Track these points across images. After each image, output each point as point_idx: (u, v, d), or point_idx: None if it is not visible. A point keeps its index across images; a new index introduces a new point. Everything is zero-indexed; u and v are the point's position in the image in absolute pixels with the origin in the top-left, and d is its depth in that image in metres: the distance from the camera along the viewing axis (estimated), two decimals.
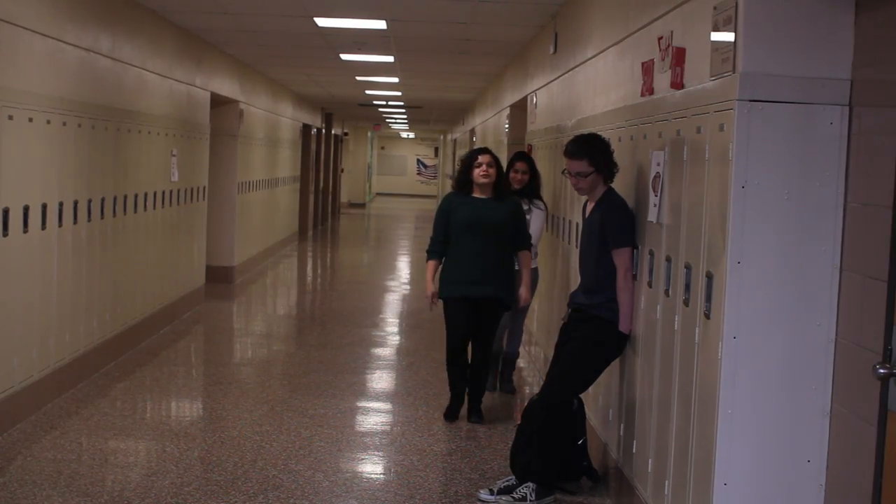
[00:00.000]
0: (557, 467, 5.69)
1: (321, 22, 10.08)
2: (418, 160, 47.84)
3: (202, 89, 12.05)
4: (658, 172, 4.92)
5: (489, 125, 16.93)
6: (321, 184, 26.02)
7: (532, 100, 10.47)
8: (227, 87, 13.45)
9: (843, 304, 3.88)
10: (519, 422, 6.15)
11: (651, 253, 5.07)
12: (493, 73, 14.59)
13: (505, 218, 7.08)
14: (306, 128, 22.80)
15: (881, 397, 3.50)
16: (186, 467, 6.07)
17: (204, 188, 12.31)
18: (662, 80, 5.03)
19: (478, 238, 7.03)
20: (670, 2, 4.93)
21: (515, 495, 5.58)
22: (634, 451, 5.28)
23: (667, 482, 4.66)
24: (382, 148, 47.29)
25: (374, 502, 5.65)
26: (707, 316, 4.15)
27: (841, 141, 3.88)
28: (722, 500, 4.01)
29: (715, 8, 4.22)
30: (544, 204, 7.97)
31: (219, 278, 13.98)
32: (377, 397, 8.21)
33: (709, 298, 4.13)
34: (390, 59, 13.20)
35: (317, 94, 20.69)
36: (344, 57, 13.10)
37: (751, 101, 3.90)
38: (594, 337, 5.49)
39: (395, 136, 46.54)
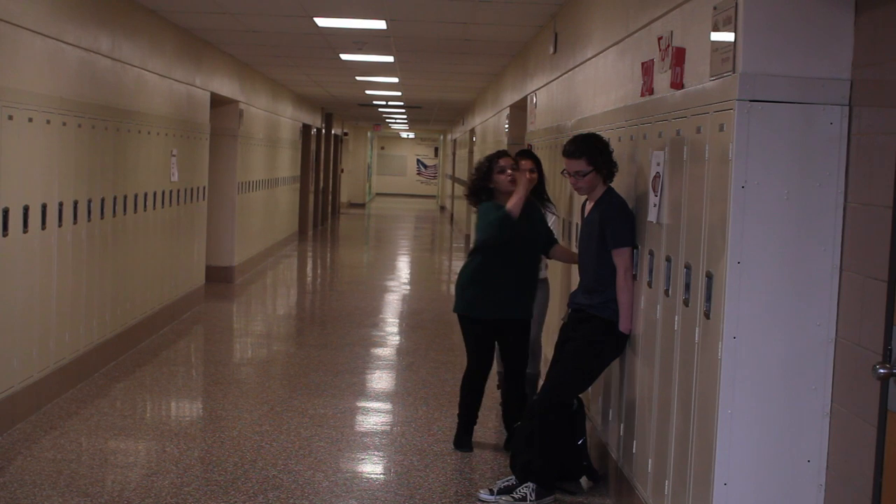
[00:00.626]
0: (557, 467, 5.69)
1: (321, 22, 10.08)
2: (418, 160, 47.84)
3: (202, 89, 12.05)
4: (658, 172, 4.92)
5: (489, 125, 16.93)
6: (321, 184, 26.02)
7: (532, 100, 10.47)
8: (226, 86, 13.45)
9: (842, 303, 3.88)
10: (519, 422, 6.16)
11: (651, 253, 5.07)
12: (492, 73, 14.59)
13: (536, 227, 6.44)
14: (306, 128, 22.80)
15: (881, 397, 3.50)
16: (186, 467, 6.07)
17: (204, 188, 12.31)
18: (662, 80, 5.03)
19: (514, 253, 6.35)
20: (670, 2, 4.93)
21: (515, 495, 5.58)
22: (634, 450, 5.28)
23: (667, 482, 4.66)
24: (382, 148, 47.29)
25: (373, 502, 5.65)
26: (707, 316, 4.15)
27: (841, 141, 3.88)
28: (722, 500, 4.01)
29: (715, 8, 4.22)
30: (555, 207, 7.22)
31: (219, 278, 13.99)
32: (377, 397, 8.20)
33: (709, 298, 4.13)
34: (390, 59, 13.20)
35: (317, 94, 20.68)
36: (344, 57, 13.10)
37: (750, 101, 3.90)
38: (594, 337, 5.49)
39: (395, 137, 46.55)
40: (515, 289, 6.34)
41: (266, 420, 7.19)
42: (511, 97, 12.64)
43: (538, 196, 6.90)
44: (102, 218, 8.32)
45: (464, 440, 6.59)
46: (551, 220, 6.99)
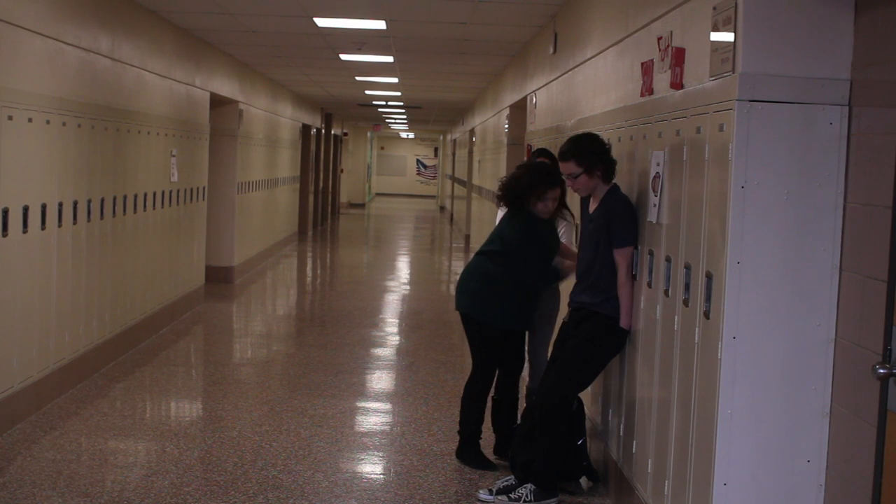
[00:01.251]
0: (557, 467, 5.68)
1: (321, 22, 10.08)
2: (418, 160, 47.84)
3: (202, 89, 12.05)
4: (658, 172, 4.92)
5: (489, 125, 16.93)
6: (321, 184, 26.03)
7: (532, 100, 10.47)
8: (226, 87, 13.45)
9: (842, 304, 3.88)
10: (519, 422, 6.16)
11: (651, 253, 5.06)
12: (492, 73, 14.59)
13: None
14: (306, 128, 22.80)
15: (881, 397, 3.51)
16: (186, 467, 6.07)
17: (203, 188, 12.31)
18: (662, 80, 5.03)
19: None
20: (670, 2, 4.93)
21: (513, 496, 5.58)
22: (634, 451, 5.28)
23: (666, 482, 4.66)
24: (382, 148, 47.30)
25: (373, 502, 5.65)
26: (707, 316, 4.15)
27: (840, 141, 3.88)
28: (721, 500, 4.01)
29: (714, 8, 4.22)
30: (571, 213, 6.52)
31: (218, 278, 13.99)
32: (377, 397, 8.21)
33: (708, 298, 4.13)
34: (390, 59, 13.20)
35: (316, 95, 20.69)
36: (343, 57, 13.10)
37: (750, 101, 3.90)
38: (595, 334, 5.49)
39: (395, 137, 46.56)
40: (528, 300, 6.16)
41: (266, 420, 7.19)
42: (511, 97, 12.64)
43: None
44: (102, 218, 8.32)
45: (482, 458, 6.30)
46: (561, 227, 6.44)
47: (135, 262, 9.36)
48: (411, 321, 12.05)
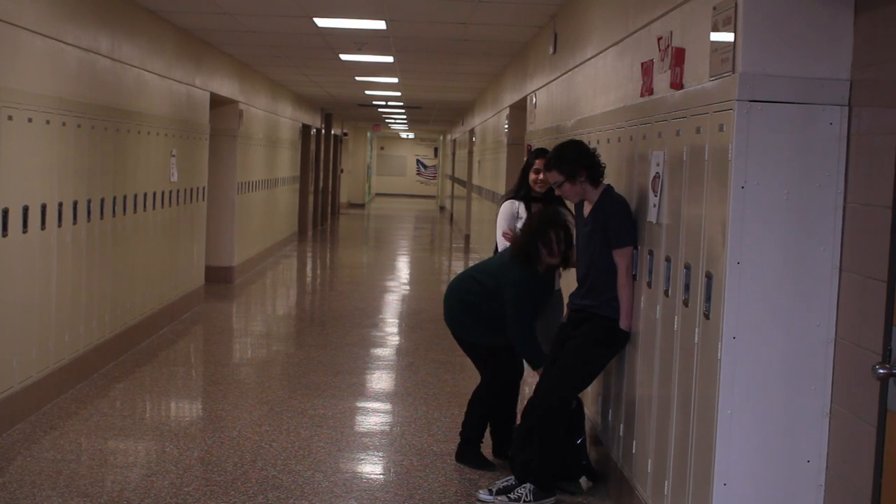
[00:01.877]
0: (557, 467, 5.69)
1: (320, 22, 10.08)
2: (418, 160, 47.84)
3: (202, 89, 12.05)
4: (657, 173, 4.92)
5: (489, 125, 16.93)
6: (321, 184, 26.02)
7: (532, 100, 10.47)
8: (226, 87, 13.45)
9: (842, 304, 3.88)
10: (518, 422, 6.16)
11: (650, 253, 5.06)
12: (492, 73, 14.59)
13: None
14: (306, 128, 22.80)
15: (881, 397, 3.50)
16: (186, 468, 6.07)
17: (203, 188, 12.31)
18: (662, 80, 5.03)
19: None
20: (670, 2, 4.93)
21: (512, 496, 5.58)
22: (634, 451, 5.28)
23: (666, 482, 4.66)
24: (382, 148, 47.30)
25: (373, 502, 5.65)
26: (706, 316, 4.15)
27: (840, 141, 3.88)
28: (721, 501, 4.01)
29: (714, 8, 4.22)
30: (571, 213, 6.31)
31: (218, 278, 13.99)
32: (377, 398, 8.20)
33: (708, 299, 4.13)
34: (390, 59, 13.20)
35: (316, 95, 20.69)
36: (343, 57, 13.10)
37: (750, 101, 3.90)
38: (595, 336, 5.49)
39: (395, 137, 46.55)
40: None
41: (266, 420, 7.19)
42: (511, 97, 12.64)
43: (552, 201, 6.47)
44: (102, 218, 8.32)
45: (482, 459, 6.29)
46: None
47: (135, 262, 9.36)
48: (411, 321, 12.05)
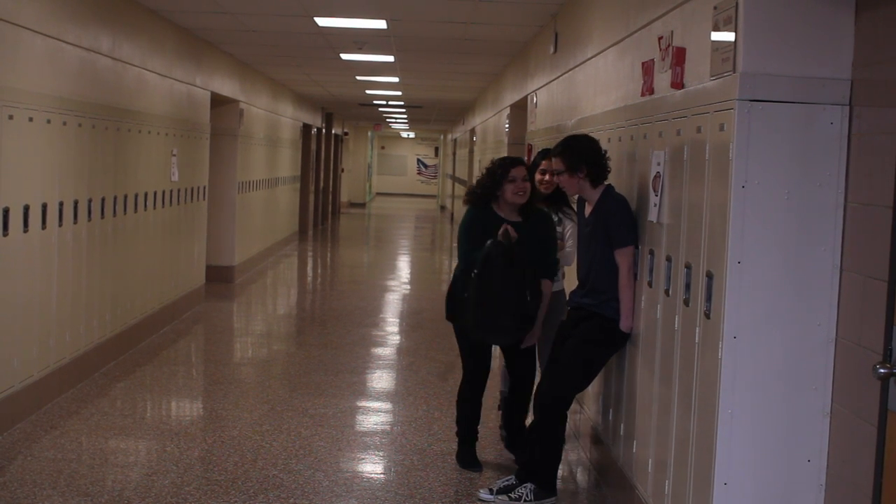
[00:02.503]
0: (556, 467, 5.69)
1: (321, 22, 10.08)
2: (418, 160, 47.84)
3: (202, 89, 12.05)
4: (658, 172, 4.92)
5: (489, 125, 16.93)
6: (321, 183, 26.03)
7: (532, 99, 10.47)
8: (227, 86, 13.46)
9: (843, 303, 3.88)
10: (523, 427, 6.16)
11: (651, 253, 5.07)
12: (493, 72, 14.59)
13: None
14: (306, 127, 22.80)
15: (881, 397, 3.51)
16: (186, 467, 6.07)
17: (204, 188, 12.32)
18: (663, 79, 5.03)
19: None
20: (670, 1, 4.93)
21: (513, 495, 5.58)
22: (635, 450, 5.28)
23: (667, 482, 4.66)
24: (382, 148, 47.29)
25: (374, 502, 5.65)
26: (707, 316, 4.15)
27: (841, 141, 3.88)
28: (722, 500, 4.01)
29: (715, 8, 4.22)
30: (574, 212, 6.26)
31: (219, 278, 13.99)
32: (377, 397, 8.21)
33: (709, 298, 4.13)
34: (390, 58, 13.20)
35: (317, 94, 20.69)
36: (344, 57, 13.10)
37: (751, 100, 3.90)
38: (596, 336, 5.49)
39: (396, 136, 46.55)
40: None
41: (266, 420, 7.20)
42: (511, 97, 12.64)
43: (558, 201, 6.39)
44: (103, 217, 8.32)
45: (471, 458, 6.22)
46: (568, 228, 6.37)
47: (135, 261, 9.36)
48: (412, 320, 12.05)
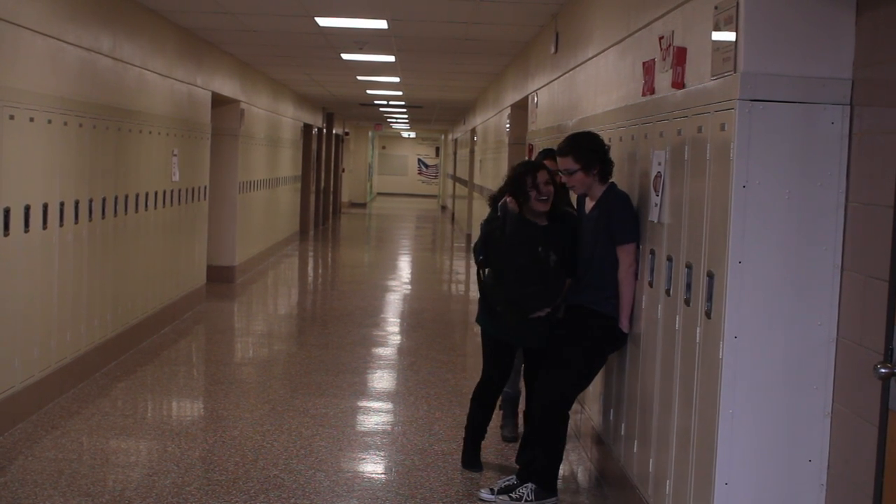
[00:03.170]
0: (558, 467, 5.68)
1: (322, 21, 10.08)
2: (419, 160, 47.85)
3: (203, 89, 12.06)
4: (659, 172, 4.92)
5: (490, 125, 16.93)
6: (322, 183, 26.03)
7: (533, 99, 10.47)
8: (228, 86, 13.46)
9: (844, 303, 3.88)
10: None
11: (652, 252, 5.06)
12: (493, 72, 14.59)
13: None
14: (307, 127, 22.80)
15: (882, 397, 3.51)
16: (187, 467, 6.07)
17: (205, 188, 12.32)
18: (663, 79, 5.03)
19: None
20: (671, 1, 4.93)
21: (514, 495, 5.58)
22: (636, 450, 5.28)
23: (668, 482, 4.66)
24: (383, 147, 47.30)
25: (375, 502, 5.65)
26: (708, 315, 4.15)
27: (842, 140, 3.88)
28: (723, 500, 4.01)
29: (716, 7, 4.22)
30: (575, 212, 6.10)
31: (220, 278, 13.99)
32: (378, 397, 8.21)
33: (710, 298, 4.13)
34: (391, 58, 13.20)
35: (318, 94, 20.69)
36: (345, 56, 13.10)
37: (752, 100, 3.90)
38: (594, 334, 5.48)
39: (396, 136, 46.55)
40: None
41: (267, 420, 7.20)
42: (512, 97, 12.64)
43: (562, 201, 6.09)
44: (104, 218, 8.32)
45: (473, 459, 6.19)
46: None
47: (136, 261, 9.36)
48: (412, 320, 12.05)
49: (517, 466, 5.78)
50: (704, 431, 4.18)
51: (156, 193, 9.94)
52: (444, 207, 38.83)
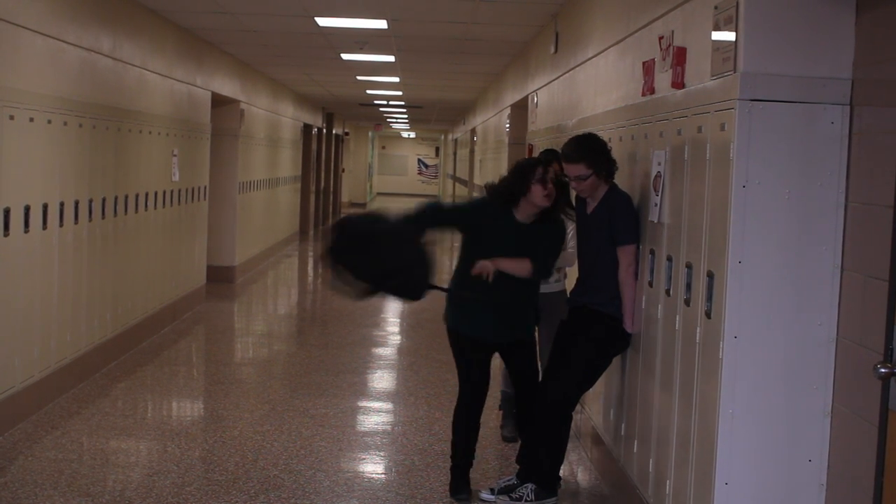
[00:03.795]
0: (559, 467, 5.68)
1: (322, 21, 10.08)
2: (419, 160, 47.84)
3: (203, 89, 12.05)
4: (659, 172, 4.92)
5: (490, 125, 16.93)
6: (322, 183, 26.02)
7: (533, 99, 10.47)
8: (227, 86, 13.45)
9: (843, 303, 3.88)
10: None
11: (652, 252, 5.06)
12: (493, 72, 14.58)
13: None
14: (307, 127, 22.80)
15: (882, 397, 3.51)
16: (187, 467, 6.07)
17: (205, 188, 12.32)
18: (663, 79, 5.03)
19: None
20: (671, 1, 4.93)
21: (514, 495, 5.58)
22: (636, 450, 5.28)
23: (668, 482, 4.66)
24: (383, 147, 47.29)
25: (375, 502, 5.65)
26: (708, 315, 4.15)
27: (842, 140, 3.88)
28: (723, 500, 4.01)
29: (716, 7, 4.22)
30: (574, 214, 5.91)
31: (220, 278, 13.99)
32: (378, 397, 8.21)
33: (710, 298, 4.13)
34: (391, 58, 13.20)
35: (317, 94, 20.69)
36: (345, 56, 13.10)
37: (752, 100, 3.90)
38: (598, 334, 5.46)
39: (396, 136, 46.54)
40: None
41: (267, 420, 7.20)
42: (512, 97, 12.64)
43: (563, 202, 5.78)
44: (103, 218, 8.32)
45: (461, 486, 5.70)
46: (570, 229, 5.95)
47: (136, 261, 9.36)
48: (412, 320, 12.05)
49: (517, 466, 5.77)
50: (704, 431, 4.18)
51: (156, 193, 9.94)
52: None
